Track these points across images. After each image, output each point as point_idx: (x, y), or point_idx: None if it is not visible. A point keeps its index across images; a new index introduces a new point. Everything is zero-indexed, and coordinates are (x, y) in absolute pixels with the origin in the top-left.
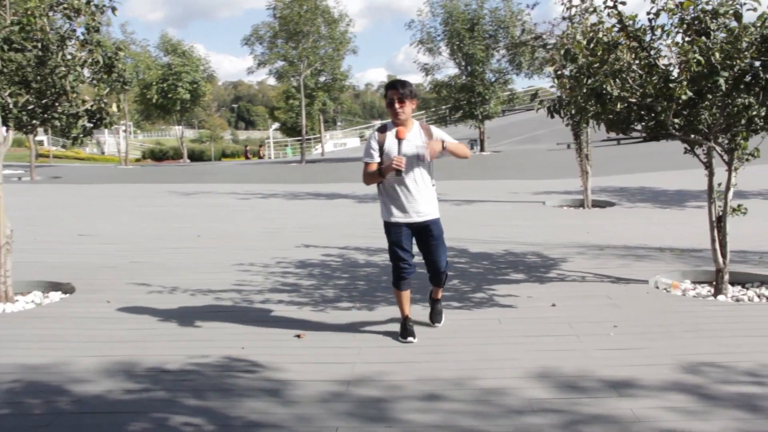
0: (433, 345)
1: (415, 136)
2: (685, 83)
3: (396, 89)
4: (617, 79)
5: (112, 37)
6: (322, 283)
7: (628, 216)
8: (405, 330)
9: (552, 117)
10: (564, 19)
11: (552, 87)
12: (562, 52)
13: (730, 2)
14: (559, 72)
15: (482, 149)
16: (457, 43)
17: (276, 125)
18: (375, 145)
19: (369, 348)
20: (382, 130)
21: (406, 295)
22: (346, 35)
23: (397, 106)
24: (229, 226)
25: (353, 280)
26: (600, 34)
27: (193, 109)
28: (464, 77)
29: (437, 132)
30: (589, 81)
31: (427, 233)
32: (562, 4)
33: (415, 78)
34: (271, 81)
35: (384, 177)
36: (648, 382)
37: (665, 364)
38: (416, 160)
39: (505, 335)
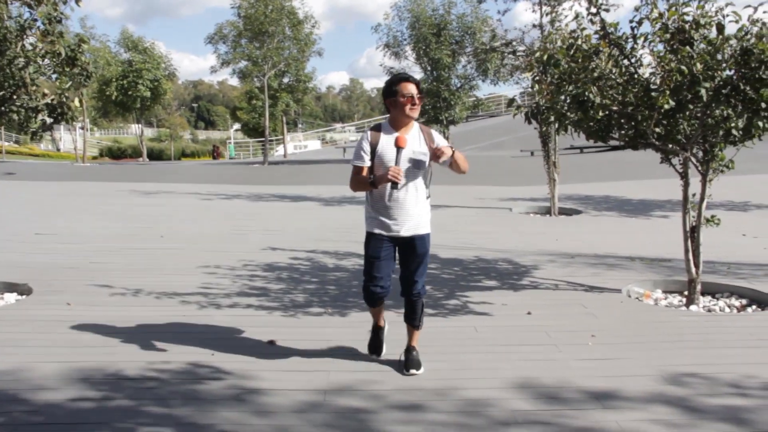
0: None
1: (414, 140)
2: (667, 93)
3: (416, 84)
4: (597, 87)
5: (71, 31)
6: (291, 288)
7: (595, 224)
8: (373, 343)
9: (529, 123)
10: (535, 26)
11: (523, 94)
12: (545, 57)
13: (713, 13)
14: (537, 78)
15: None
16: (424, 47)
17: (237, 126)
18: (366, 147)
19: (344, 355)
20: (376, 129)
21: (379, 309)
22: (311, 37)
23: (417, 103)
24: (193, 227)
25: (323, 285)
26: (579, 41)
27: (153, 107)
28: (430, 82)
29: (438, 137)
30: (570, 87)
31: (411, 248)
32: (534, 11)
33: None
34: (233, 81)
35: (376, 187)
36: (631, 394)
37: (647, 375)
38: (413, 168)
39: (482, 344)
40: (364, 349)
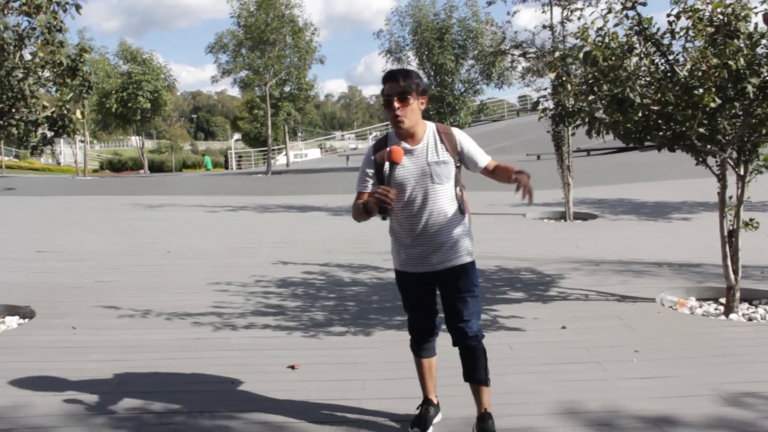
0: (446, 376)
1: (426, 149)
2: (713, 90)
3: (395, 81)
4: (636, 86)
5: (69, 43)
6: (308, 305)
7: (613, 229)
8: (418, 418)
9: (557, 126)
10: (545, 27)
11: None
12: (581, 55)
13: (751, 5)
14: (563, 78)
15: None
16: (426, 52)
17: (238, 136)
18: (370, 168)
19: (374, 381)
20: (381, 143)
21: (428, 364)
22: (311, 44)
23: (396, 106)
24: (200, 241)
25: (342, 301)
26: (607, 39)
27: (153, 119)
28: (434, 87)
29: (464, 139)
30: (607, 87)
31: (451, 284)
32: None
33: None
34: (233, 91)
35: (370, 215)
36: (691, 418)
37: (703, 395)
38: (430, 182)
39: (520, 363)
40: (395, 373)
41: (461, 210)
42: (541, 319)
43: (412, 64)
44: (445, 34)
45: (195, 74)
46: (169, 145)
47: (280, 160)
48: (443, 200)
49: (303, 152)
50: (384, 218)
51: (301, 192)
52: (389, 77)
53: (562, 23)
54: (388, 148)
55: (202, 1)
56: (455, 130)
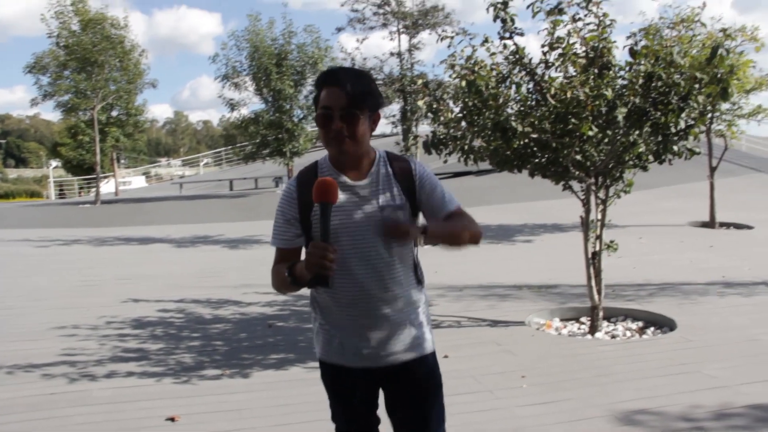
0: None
1: (376, 187)
2: (590, 119)
3: (339, 85)
4: (517, 114)
5: None
6: (172, 347)
7: (465, 253)
8: None
9: (429, 153)
10: (392, 54)
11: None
12: (464, 83)
13: (613, 39)
14: (434, 106)
15: None
16: (264, 78)
17: (56, 163)
18: (290, 211)
19: (265, 429)
20: (307, 178)
21: None
22: (139, 66)
23: (337, 126)
24: (34, 280)
25: (208, 341)
26: (477, 68)
27: None
28: (272, 113)
29: (424, 174)
30: (487, 115)
31: (406, 384)
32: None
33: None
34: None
35: (299, 285)
36: None
37: (598, 417)
38: (383, 233)
39: None
40: (285, 418)
41: (419, 278)
42: None
43: (250, 89)
44: (284, 59)
45: (3, 96)
46: None
47: (105, 189)
48: (397, 263)
49: (127, 180)
50: (323, 285)
51: (136, 223)
52: (329, 79)
53: (409, 51)
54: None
55: (9, 16)
56: (412, 161)
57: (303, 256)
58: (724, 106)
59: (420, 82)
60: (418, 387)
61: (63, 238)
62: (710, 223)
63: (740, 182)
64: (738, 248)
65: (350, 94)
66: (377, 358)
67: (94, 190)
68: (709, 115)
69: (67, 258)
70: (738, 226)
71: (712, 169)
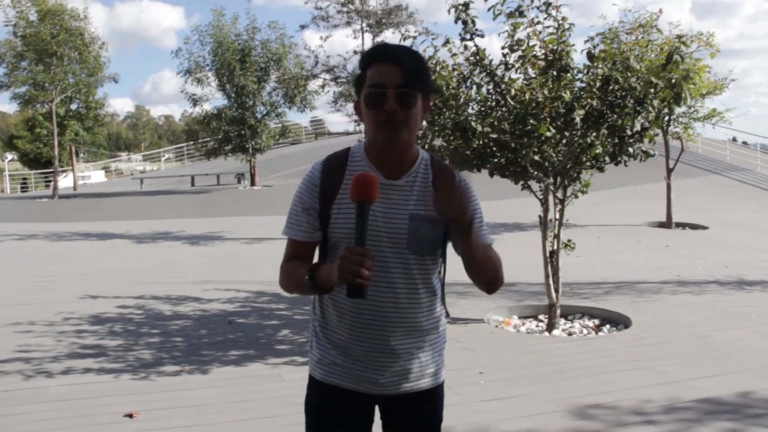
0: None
1: (412, 190)
2: (548, 120)
3: (395, 63)
4: (477, 114)
5: None
6: (131, 343)
7: None
8: None
9: None
10: (356, 53)
11: (355, 121)
12: None
13: (572, 42)
14: None
15: (253, 183)
16: (227, 74)
17: (11, 156)
18: (309, 199)
19: (224, 425)
20: (335, 166)
21: None
22: (99, 59)
23: (390, 106)
24: None
25: (168, 337)
26: (438, 68)
27: None
28: (235, 109)
29: (469, 193)
30: (447, 115)
31: (408, 416)
32: (356, 38)
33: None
34: (3, 107)
35: (321, 291)
36: None
37: (554, 411)
38: (406, 247)
39: None
40: (246, 413)
41: (441, 300)
42: None
43: (212, 85)
44: (248, 55)
45: None
46: None
47: (63, 183)
48: (419, 282)
49: (86, 174)
50: (356, 295)
51: (95, 218)
52: (381, 55)
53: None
54: (354, 174)
55: None
56: (458, 174)
57: (330, 250)
58: (680, 109)
59: None
60: (420, 419)
61: (18, 233)
62: (667, 224)
63: (696, 183)
64: (693, 248)
65: (408, 70)
66: (376, 383)
67: (51, 184)
68: (666, 118)
69: (23, 253)
70: (693, 227)
71: (669, 171)
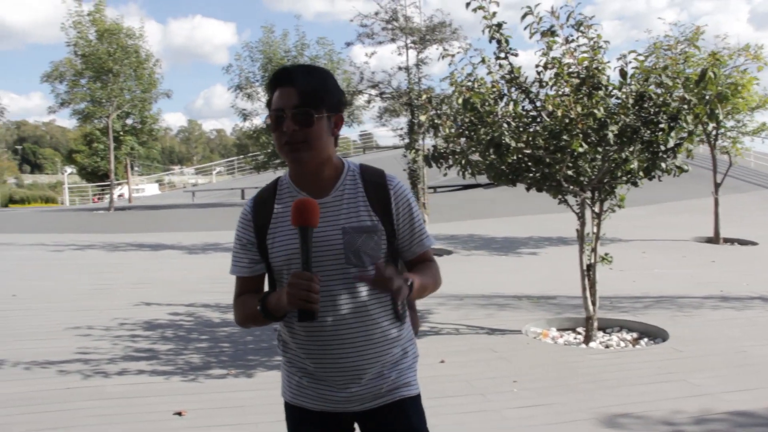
0: None
1: (340, 205)
2: (580, 136)
3: (289, 84)
4: (511, 131)
5: None
6: (181, 347)
7: (469, 263)
8: None
9: (430, 166)
10: (401, 69)
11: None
12: (460, 101)
13: (605, 60)
14: (435, 121)
15: None
16: None
17: (71, 169)
18: (245, 235)
19: (267, 424)
20: (264, 199)
21: None
22: (153, 76)
23: (288, 128)
24: (49, 283)
25: (216, 342)
26: (476, 85)
27: None
28: None
29: (403, 196)
30: (483, 131)
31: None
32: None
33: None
34: (63, 122)
35: (273, 319)
36: None
37: (583, 420)
38: (345, 262)
39: None
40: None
41: (397, 312)
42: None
43: (262, 100)
44: None
45: (19, 102)
46: None
47: (121, 196)
48: (366, 295)
49: (140, 187)
50: (306, 318)
51: (149, 229)
52: (281, 78)
53: (417, 65)
54: (293, 198)
55: (26, 25)
56: (388, 175)
57: (276, 273)
58: (728, 123)
59: (424, 96)
60: None
61: (77, 243)
62: (714, 239)
63: (747, 198)
64: (739, 264)
65: (303, 91)
66: (344, 402)
67: (108, 196)
68: (714, 133)
69: (82, 262)
70: (742, 242)
71: (717, 185)
